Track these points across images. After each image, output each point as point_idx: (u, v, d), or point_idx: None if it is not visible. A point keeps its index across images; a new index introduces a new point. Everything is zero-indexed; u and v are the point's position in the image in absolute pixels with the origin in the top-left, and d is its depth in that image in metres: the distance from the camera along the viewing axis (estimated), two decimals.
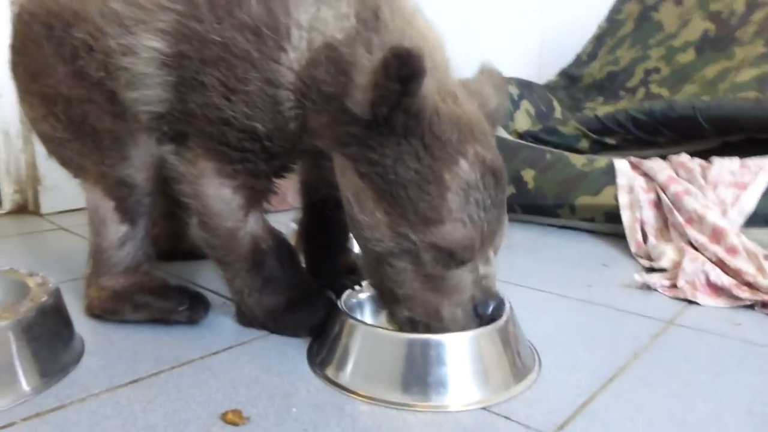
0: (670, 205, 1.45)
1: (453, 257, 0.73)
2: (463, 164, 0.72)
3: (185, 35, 0.82)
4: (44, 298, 0.80)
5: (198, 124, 0.85)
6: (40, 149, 1.68)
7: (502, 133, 2.06)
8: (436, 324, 0.77)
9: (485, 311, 0.77)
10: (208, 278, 1.17)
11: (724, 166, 1.50)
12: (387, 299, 0.82)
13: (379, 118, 0.71)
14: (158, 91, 0.87)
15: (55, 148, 0.99)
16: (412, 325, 0.79)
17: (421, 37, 0.81)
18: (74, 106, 0.91)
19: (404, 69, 0.66)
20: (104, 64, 0.88)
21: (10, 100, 1.69)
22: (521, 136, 2.11)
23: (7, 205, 1.77)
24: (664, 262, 1.29)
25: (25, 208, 1.79)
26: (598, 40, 2.57)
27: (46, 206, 1.76)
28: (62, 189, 1.75)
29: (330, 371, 0.81)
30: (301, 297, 0.93)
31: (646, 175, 1.58)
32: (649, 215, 1.51)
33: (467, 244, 0.72)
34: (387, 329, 0.82)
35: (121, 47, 0.86)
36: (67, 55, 0.90)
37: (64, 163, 1.00)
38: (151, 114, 0.90)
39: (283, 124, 0.84)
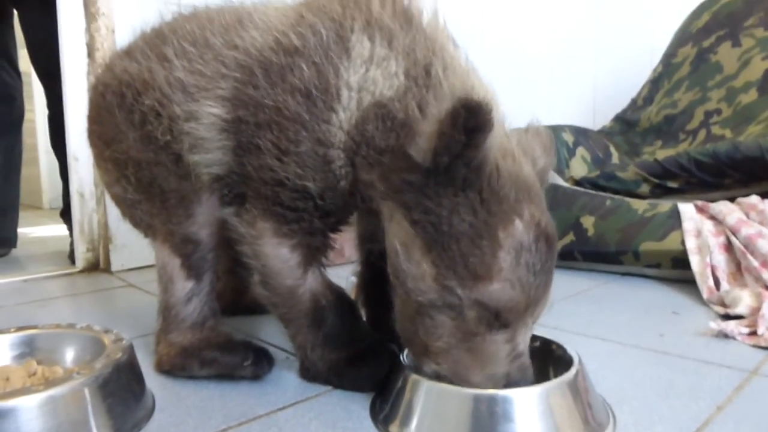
0: (743, 248, 1.39)
1: (498, 318, 0.72)
2: (518, 224, 0.71)
3: (242, 101, 0.86)
4: (119, 355, 0.83)
5: (254, 186, 0.88)
6: (111, 209, 1.78)
7: (559, 181, 2.04)
8: (460, 383, 0.76)
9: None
10: (271, 333, 1.19)
11: None
12: (417, 352, 0.80)
13: (439, 167, 0.71)
14: (218, 155, 0.91)
15: (127, 210, 1.04)
16: (437, 380, 0.78)
17: (479, 95, 0.82)
18: (143, 168, 0.97)
19: (471, 120, 0.66)
20: (170, 128, 0.93)
21: (85, 164, 1.80)
22: (578, 183, 2.09)
23: (80, 264, 1.86)
24: (741, 309, 1.23)
25: (97, 266, 1.87)
26: (654, 83, 2.54)
27: (116, 264, 1.83)
28: (131, 247, 1.83)
29: (394, 428, 0.79)
30: (363, 351, 0.92)
31: (713, 218, 1.53)
32: (721, 259, 1.45)
33: (513, 306, 0.71)
34: (452, 384, 0.81)
35: (185, 113, 0.91)
36: (137, 121, 0.96)
37: (136, 223, 1.04)
38: (212, 176, 0.94)
39: (334, 182, 0.85)
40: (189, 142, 0.92)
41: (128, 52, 1.01)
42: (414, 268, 0.75)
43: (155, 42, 0.97)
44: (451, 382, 0.77)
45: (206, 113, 0.89)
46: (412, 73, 0.81)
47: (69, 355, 0.93)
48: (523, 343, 0.76)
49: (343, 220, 0.96)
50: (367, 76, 0.82)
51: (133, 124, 0.96)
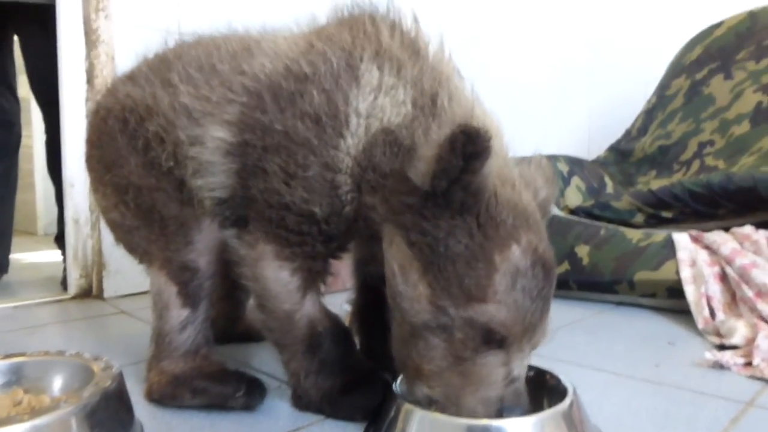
0: (737, 278, 1.39)
1: (488, 337, 0.71)
2: (515, 249, 0.71)
3: (249, 125, 0.87)
4: (108, 383, 0.81)
5: (258, 208, 0.88)
6: (106, 235, 1.77)
7: (554, 210, 2.05)
8: (451, 409, 0.75)
9: (509, 415, 0.74)
10: (264, 361, 1.17)
11: None
12: (410, 375, 0.80)
13: (437, 191, 0.71)
14: (222, 178, 0.92)
15: (123, 235, 1.03)
16: (428, 405, 0.77)
17: (479, 124, 0.82)
18: (144, 194, 0.97)
19: (470, 146, 0.67)
20: (174, 154, 0.94)
21: (81, 190, 1.80)
22: (573, 212, 2.10)
23: (73, 290, 1.85)
24: (736, 339, 1.22)
25: (90, 292, 1.86)
26: (648, 114, 2.57)
27: (109, 290, 1.82)
28: (124, 273, 1.82)
29: None
30: (356, 380, 0.92)
31: (708, 248, 1.53)
32: (716, 289, 1.45)
33: (507, 328, 0.71)
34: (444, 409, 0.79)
35: (190, 138, 0.92)
36: (140, 146, 0.96)
37: (131, 249, 1.04)
38: (214, 200, 0.94)
39: (340, 207, 0.86)
40: (193, 166, 0.93)
41: (131, 78, 1.02)
42: (410, 289, 0.75)
43: (160, 68, 0.98)
44: (443, 407, 0.76)
45: (211, 137, 0.90)
46: (419, 102, 0.83)
47: (57, 383, 0.91)
48: (519, 368, 0.75)
49: (344, 246, 0.96)
50: (376, 104, 0.83)
51: (136, 149, 0.97)
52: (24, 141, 2.26)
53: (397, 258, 0.77)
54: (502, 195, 0.74)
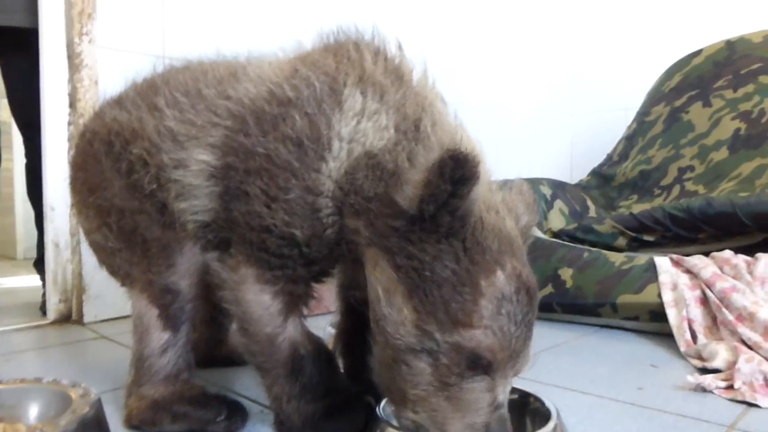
0: (718, 302, 1.40)
1: (474, 362, 0.71)
2: (500, 275, 0.72)
3: (232, 148, 0.87)
4: (86, 410, 0.80)
5: (240, 231, 0.88)
6: (86, 260, 1.75)
7: (537, 233, 2.06)
8: None
9: None
10: (246, 385, 1.16)
11: None
12: (395, 399, 0.79)
13: (425, 215, 0.72)
14: (205, 201, 0.92)
15: (105, 257, 1.03)
16: (416, 430, 0.76)
17: (467, 149, 0.83)
18: (126, 216, 0.96)
19: (458, 171, 0.67)
20: (157, 177, 0.94)
21: (61, 213, 1.79)
22: (556, 235, 2.11)
23: (52, 315, 1.81)
24: (718, 362, 1.23)
25: (69, 317, 1.83)
26: (629, 140, 2.61)
27: (89, 315, 1.79)
28: (105, 297, 1.80)
29: None
30: (339, 403, 0.91)
31: (689, 271, 1.55)
32: (697, 313, 1.46)
33: (492, 353, 0.71)
34: None
35: (173, 161, 0.92)
36: (124, 169, 0.96)
37: (113, 272, 1.03)
38: (197, 223, 0.94)
39: (321, 230, 0.86)
40: (176, 189, 0.93)
41: (119, 102, 1.02)
42: (395, 313, 0.75)
43: (147, 92, 0.99)
44: None
45: (195, 160, 0.90)
46: (402, 127, 0.84)
47: (33, 411, 0.88)
48: (503, 394, 0.75)
49: (327, 270, 0.96)
50: (359, 128, 0.84)
51: (120, 172, 0.96)
52: (4, 164, 2.24)
53: (382, 281, 0.77)
54: (487, 220, 0.74)
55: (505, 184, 0.87)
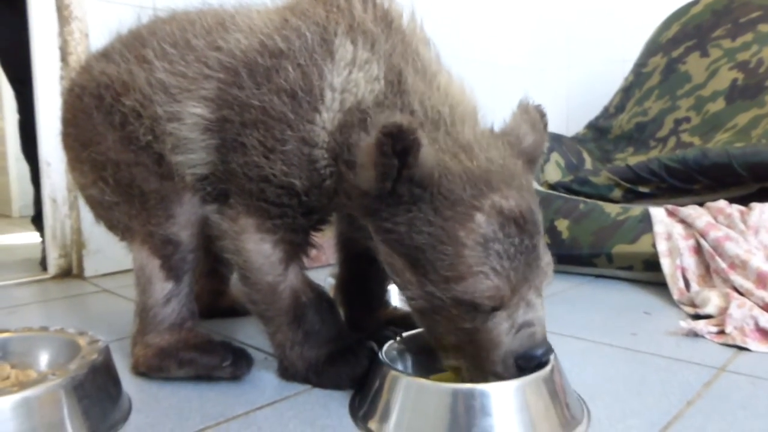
0: (711, 251, 1.43)
1: (477, 309, 0.73)
2: (479, 218, 0.72)
3: (227, 101, 0.87)
4: (95, 356, 0.82)
5: (239, 182, 0.89)
6: (84, 214, 1.75)
7: (534, 185, 2.07)
8: (479, 377, 0.77)
9: (528, 363, 0.75)
10: (249, 334, 1.18)
11: (765, 211, 1.48)
12: (437, 347, 0.83)
13: (384, 192, 0.74)
14: (202, 155, 0.92)
15: (103, 212, 1.03)
16: (460, 373, 0.80)
17: (443, 95, 0.83)
18: (122, 169, 0.96)
19: (398, 144, 0.69)
20: (152, 128, 0.93)
21: (58, 169, 1.78)
22: (552, 187, 2.12)
23: (53, 270, 1.83)
24: (710, 309, 1.26)
25: (69, 272, 1.84)
26: (625, 92, 2.60)
27: (89, 269, 1.81)
28: (105, 252, 1.81)
29: (373, 424, 0.80)
30: (342, 349, 0.93)
31: (683, 222, 1.56)
32: (690, 262, 1.48)
33: (492, 294, 0.72)
34: (429, 380, 0.81)
35: (167, 114, 0.91)
36: (117, 122, 0.95)
37: (112, 226, 1.03)
38: (195, 175, 0.94)
39: (319, 180, 0.86)
40: (172, 142, 0.92)
41: (105, 54, 1.01)
42: (401, 279, 0.78)
43: (134, 44, 0.97)
44: (472, 376, 0.79)
45: (189, 113, 0.90)
46: (389, 77, 0.84)
47: (43, 358, 0.91)
48: (525, 315, 0.74)
49: (326, 218, 0.97)
50: (350, 78, 0.84)
51: (113, 125, 0.96)
52: None
53: (382, 253, 0.80)
54: (452, 170, 0.74)
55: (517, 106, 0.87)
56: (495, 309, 0.74)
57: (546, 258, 0.77)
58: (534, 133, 0.85)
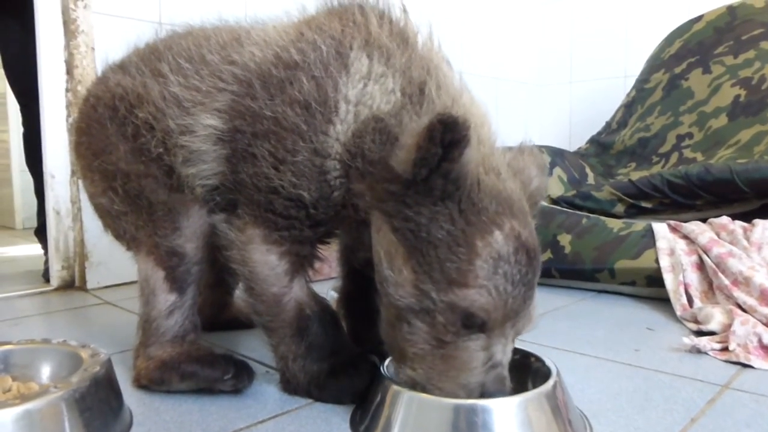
0: (714, 267, 1.42)
1: (469, 321, 0.73)
2: (498, 235, 0.72)
3: (239, 112, 0.88)
4: (97, 369, 0.82)
5: (247, 193, 0.89)
6: (88, 226, 1.76)
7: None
8: (434, 392, 0.77)
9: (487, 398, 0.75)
10: (251, 347, 1.18)
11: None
12: (396, 357, 0.82)
13: (418, 179, 0.73)
14: (213, 165, 0.93)
15: (111, 222, 1.04)
16: (413, 387, 0.79)
17: (467, 113, 0.83)
18: (132, 180, 0.97)
19: (448, 135, 0.68)
20: (163, 141, 0.95)
21: (62, 181, 1.79)
22: (555, 201, 2.12)
23: (55, 282, 1.83)
24: (713, 325, 1.26)
25: (72, 284, 1.84)
26: (627, 108, 2.61)
27: (92, 282, 1.81)
28: (107, 264, 1.81)
29: None
30: (344, 363, 0.93)
31: (686, 237, 1.56)
32: (693, 278, 1.48)
33: (488, 312, 0.72)
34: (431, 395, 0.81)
35: (180, 127, 0.92)
36: (129, 133, 0.97)
37: (118, 236, 1.04)
38: (205, 187, 0.95)
39: (328, 192, 0.87)
40: (183, 155, 0.94)
41: (122, 67, 1.03)
42: (396, 275, 0.77)
43: (150, 58, 0.99)
44: (426, 390, 0.77)
45: (202, 125, 0.91)
46: (408, 91, 0.84)
47: (45, 370, 0.91)
48: (501, 353, 0.76)
49: (332, 231, 0.97)
50: (365, 91, 0.84)
51: (125, 136, 0.97)
52: (0, 136, 2.23)
53: (384, 244, 0.79)
54: (485, 182, 0.75)
55: (513, 149, 0.88)
56: (481, 329, 0.73)
57: (535, 305, 0.77)
58: (540, 177, 0.86)
